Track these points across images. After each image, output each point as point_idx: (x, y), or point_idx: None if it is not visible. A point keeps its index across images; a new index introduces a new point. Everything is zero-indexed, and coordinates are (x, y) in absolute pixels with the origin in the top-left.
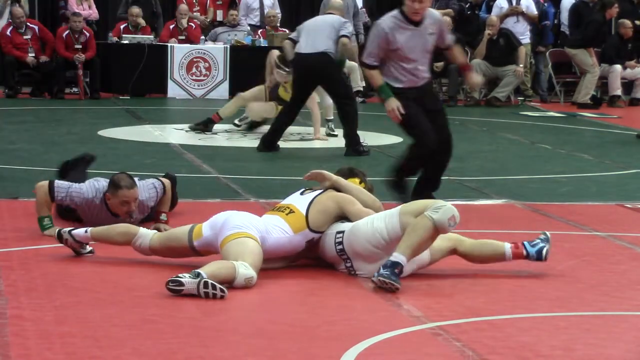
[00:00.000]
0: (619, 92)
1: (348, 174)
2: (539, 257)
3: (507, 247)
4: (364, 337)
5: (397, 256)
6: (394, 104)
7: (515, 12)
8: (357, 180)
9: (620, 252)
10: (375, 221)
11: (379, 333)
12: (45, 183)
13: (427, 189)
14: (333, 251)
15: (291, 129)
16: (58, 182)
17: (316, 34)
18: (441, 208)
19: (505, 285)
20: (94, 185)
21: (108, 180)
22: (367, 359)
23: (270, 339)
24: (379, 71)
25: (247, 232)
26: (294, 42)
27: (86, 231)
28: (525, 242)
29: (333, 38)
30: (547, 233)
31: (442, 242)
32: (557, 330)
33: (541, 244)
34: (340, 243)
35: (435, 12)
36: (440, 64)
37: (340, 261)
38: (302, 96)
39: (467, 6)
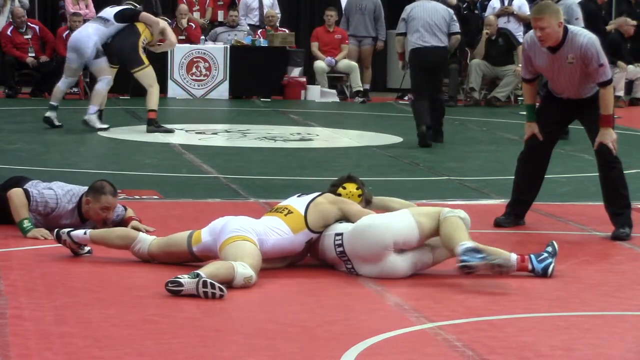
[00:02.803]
0: (619, 92)
1: (346, 179)
2: (544, 273)
3: (513, 258)
4: (364, 337)
5: (465, 243)
6: (528, 130)
7: (506, 12)
8: (354, 185)
9: (620, 252)
10: (386, 222)
11: (379, 333)
12: (18, 189)
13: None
14: (333, 253)
15: (291, 129)
16: (29, 189)
17: (433, 27)
18: (455, 210)
19: (505, 285)
20: (65, 190)
21: (73, 186)
22: (367, 359)
23: (270, 339)
24: (533, 87)
25: (245, 235)
26: (404, 35)
27: (85, 233)
28: (532, 255)
29: (446, 31)
30: (555, 244)
31: None
32: (557, 330)
33: (548, 260)
34: (340, 245)
35: (580, 39)
36: None
37: (340, 263)
38: (424, 86)
39: (464, 6)
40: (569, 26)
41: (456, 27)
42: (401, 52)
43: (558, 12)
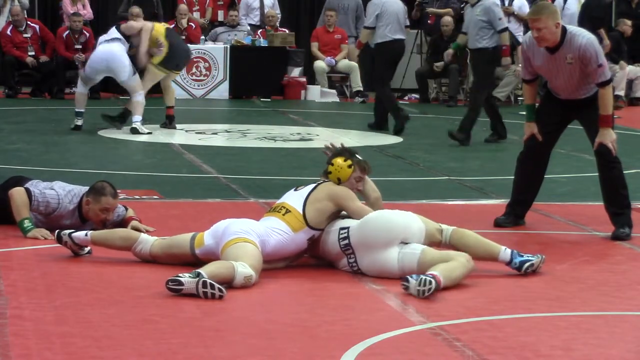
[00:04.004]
0: (620, 92)
1: (335, 154)
2: (519, 268)
3: (503, 249)
4: (364, 337)
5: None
6: (528, 130)
7: (506, 12)
8: (342, 158)
9: (620, 252)
10: (399, 215)
11: (379, 333)
12: (20, 188)
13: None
14: (337, 247)
15: (291, 129)
16: (31, 188)
17: (399, 21)
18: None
19: (505, 285)
20: (66, 190)
21: (75, 186)
22: (367, 359)
23: (270, 339)
24: (533, 87)
25: (246, 237)
26: (373, 29)
27: (86, 234)
28: (515, 252)
29: (405, 25)
30: (542, 256)
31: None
32: (557, 330)
33: (529, 259)
34: (346, 238)
35: (579, 40)
36: (440, 64)
37: (343, 257)
38: (391, 76)
39: (461, 6)
40: (568, 26)
41: (407, 20)
42: (365, 42)
43: (555, 13)
